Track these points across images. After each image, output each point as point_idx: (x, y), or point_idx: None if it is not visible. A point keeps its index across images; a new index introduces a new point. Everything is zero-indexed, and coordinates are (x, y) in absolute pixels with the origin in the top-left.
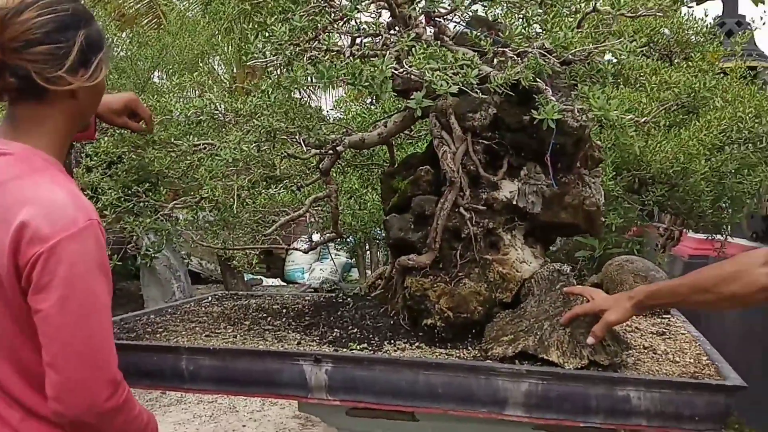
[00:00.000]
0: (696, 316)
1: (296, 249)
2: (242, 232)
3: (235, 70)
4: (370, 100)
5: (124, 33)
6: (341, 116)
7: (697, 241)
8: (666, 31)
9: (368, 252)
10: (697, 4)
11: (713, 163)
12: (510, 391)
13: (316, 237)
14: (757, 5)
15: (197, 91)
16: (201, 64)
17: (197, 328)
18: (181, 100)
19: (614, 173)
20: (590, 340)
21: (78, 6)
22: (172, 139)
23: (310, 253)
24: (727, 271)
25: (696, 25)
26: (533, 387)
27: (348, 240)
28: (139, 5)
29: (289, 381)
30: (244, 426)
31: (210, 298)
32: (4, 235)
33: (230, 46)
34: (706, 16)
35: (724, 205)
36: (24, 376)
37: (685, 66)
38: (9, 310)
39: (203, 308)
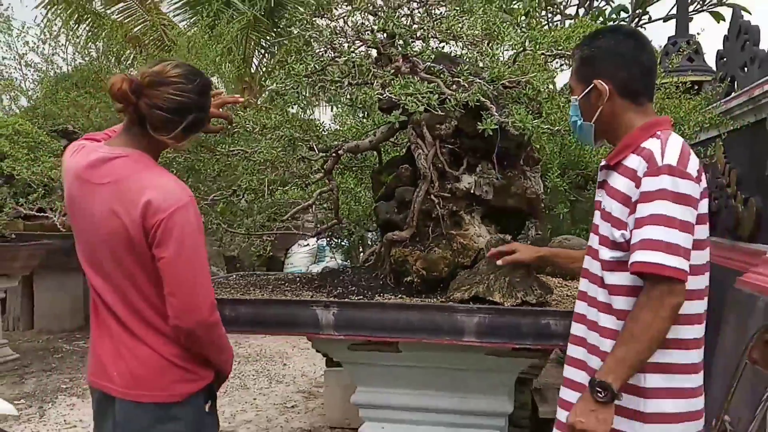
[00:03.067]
0: None
1: (306, 234)
2: (262, 219)
3: (234, 87)
4: (361, 115)
5: (127, 51)
6: (338, 128)
7: None
8: None
9: (361, 254)
10: (663, 22)
11: None
12: (466, 323)
13: (312, 241)
14: (718, 22)
15: None
16: None
17: (232, 291)
18: None
19: (560, 172)
20: (499, 261)
21: (200, 97)
22: (213, 145)
23: (307, 256)
24: None
25: None
26: (482, 319)
27: (343, 243)
28: (142, 25)
29: (306, 322)
30: (254, 399)
31: (235, 276)
32: (134, 210)
33: (231, 66)
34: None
35: None
36: (149, 305)
37: None
38: (139, 261)
39: (232, 281)
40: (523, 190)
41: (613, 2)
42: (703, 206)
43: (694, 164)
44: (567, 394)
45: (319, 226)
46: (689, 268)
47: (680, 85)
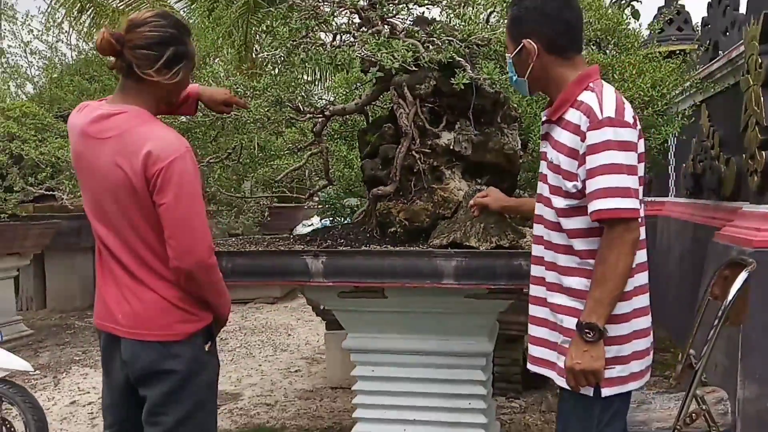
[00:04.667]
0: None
1: (301, 197)
2: (256, 188)
3: (235, 71)
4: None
5: None
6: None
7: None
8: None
9: None
10: None
11: None
12: (444, 266)
13: (315, 219)
14: None
15: None
16: (204, 65)
17: (230, 248)
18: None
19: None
20: (471, 203)
21: (177, 32)
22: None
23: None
24: None
25: (614, 17)
26: (459, 263)
27: (346, 221)
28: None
29: (297, 270)
30: (260, 365)
31: (233, 240)
32: (136, 161)
33: (232, 49)
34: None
35: None
36: (151, 251)
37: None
38: (141, 210)
39: (230, 242)
40: (500, 146)
41: None
42: (641, 146)
43: (629, 112)
44: (534, 330)
45: (311, 189)
46: None
47: (662, 52)
